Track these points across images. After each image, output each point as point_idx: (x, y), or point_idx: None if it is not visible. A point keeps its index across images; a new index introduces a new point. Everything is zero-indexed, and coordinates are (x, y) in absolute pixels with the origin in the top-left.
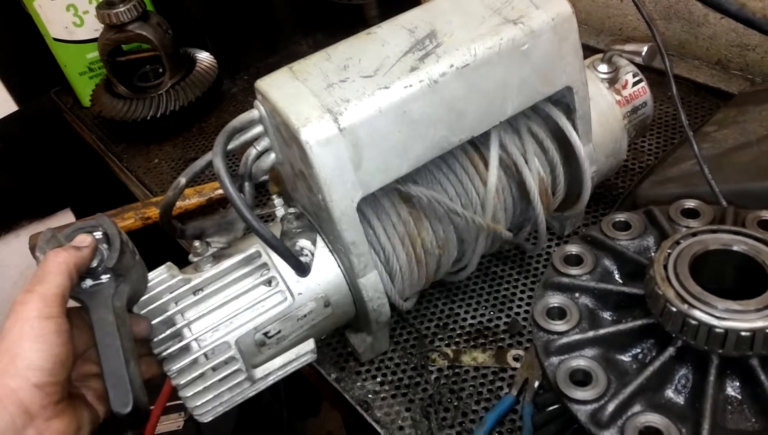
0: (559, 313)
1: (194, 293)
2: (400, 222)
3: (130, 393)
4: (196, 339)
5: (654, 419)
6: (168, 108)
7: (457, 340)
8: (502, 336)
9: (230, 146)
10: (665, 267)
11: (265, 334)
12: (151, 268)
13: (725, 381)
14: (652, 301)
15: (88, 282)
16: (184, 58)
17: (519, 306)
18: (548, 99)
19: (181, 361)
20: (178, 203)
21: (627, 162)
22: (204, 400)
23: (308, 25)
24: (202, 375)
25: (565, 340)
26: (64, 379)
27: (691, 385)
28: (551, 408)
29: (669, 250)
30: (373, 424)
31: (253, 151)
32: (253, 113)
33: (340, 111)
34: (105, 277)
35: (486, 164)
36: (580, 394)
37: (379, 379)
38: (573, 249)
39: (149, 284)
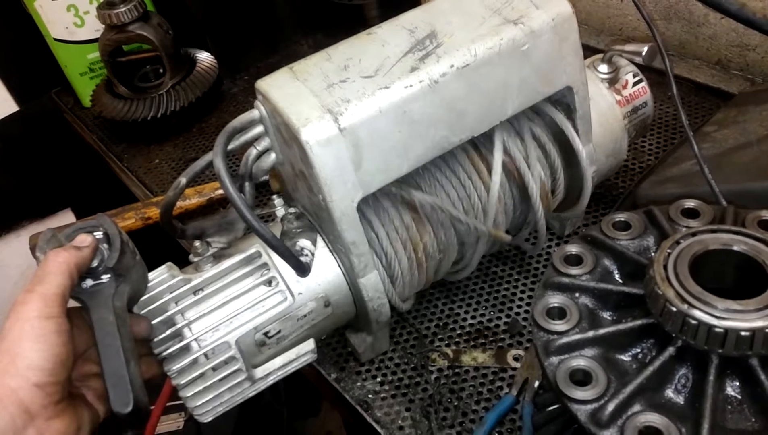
0: (559, 313)
1: (194, 293)
2: (402, 226)
3: (130, 393)
4: (196, 339)
5: (654, 419)
6: (168, 108)
7: (457, 340)
8: (502, 336)
9: (230, 146)
10: (665, 267)
11: (265, 334)
12: (151, 268)
13: (725, 381)
14: (651, 300)
15: (89, 282)
16: (184, 59)
17: (519, 306)
18: (548, 99)
19: (181, 361)
20: (179, 203)
21: (627, 162)
22: (204, 400)
23: (308, 26)
24: (202, 375)
25: (565, 339)
26: (64, 378)
27: (690, 384)
28: (551, 408)
29: (669, 250)
30: (373, 424)
31: (253, 151)
32: (253, 113)
33: (340, 111)
34: (105, 277)
35: (488, 168)
36: (580, 393)
37: (379, 379)
38: (573, 249)
39: (149, 284)
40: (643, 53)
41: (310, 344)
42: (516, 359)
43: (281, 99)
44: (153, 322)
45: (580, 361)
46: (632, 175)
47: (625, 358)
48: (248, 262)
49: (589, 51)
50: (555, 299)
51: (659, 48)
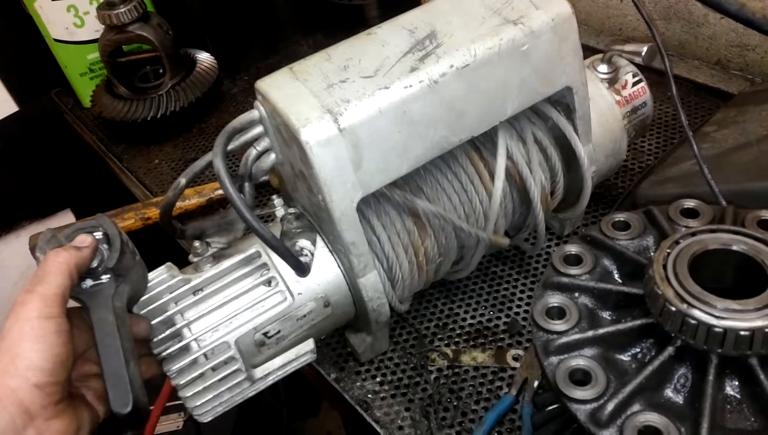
0: (559, 313)
1: (194, 293)
2: (404, 231)
3: (129, 393)
4: (195, 339)
5: (653, 418)
6: (168, 108)
7: (456, 340)
8: (501, 336)
9: (230, 147)
10: (664, 267)
11: (265, 334)
12: (151, 269)
13: (724, 380)
14: (651, 300)
15: (89, 282)
16: (184, 59)
17: (518, 306)
18: (548, 99)
19: (180, 361)
20: (178, 203)
21: (627, 162)
22: (203, 400)
23: (308, 26)
24: (201, 375)
25: (564, 339)
26: (64, 379)
27: (690, 384)
28: (550, 407)
29: (668, 250)
30: (373, 424)
31: (253, 152)
32: (253, 114)
33: (340, 111)
34: (105, 278)
35: (490, 171)
36: (579, 393)
37: (378, 379)
38: (572, 249)
39: (149, 284)
40: (643, 53)
41: (309, 344)
42: (515, 359)
43: (281, 99)
44: (153, 322)
45: (580, 360)
46: (632, 175)
47: (624, 357)
48: (248, 262)
49: (588, 51)
50: (554, 299)
51: (659, 48)
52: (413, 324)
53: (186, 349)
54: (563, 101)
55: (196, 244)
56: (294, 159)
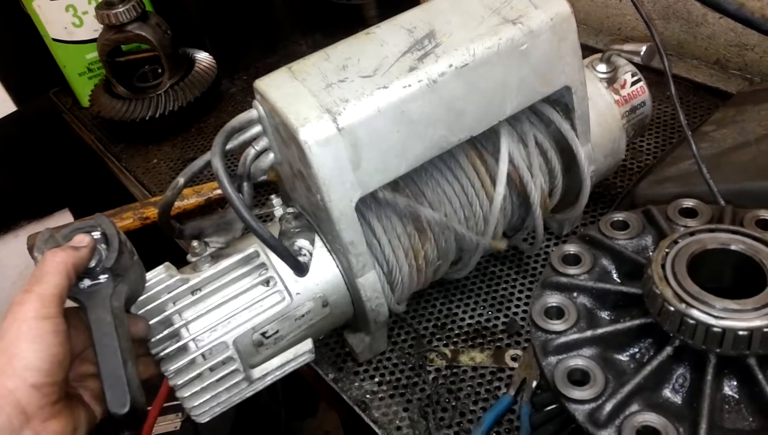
0: (557, 313)
1: (192, 293)
2: (405, 235)
3: (127, 393)
4: (193, 339)
5: (651, 419)
6: (167, 108)
7: (455, 340)
8: (500, 336)
9: (229, 146)
10: (663, 266)
11: (263, 334)
12: (149, 268)
13: (723, 380)
14: (650, 300)
15: (86, 282)
16: (183, 59)
17: (517, 306)
18: (547, 99)
19: (178, 361)
20: (177, 203)
21: (625, 161)
22: (201, 401)
23: (307, 25)
24: (199, 375)
25: (563, 339)
26: (61, 379)
27: (688, 384)
28: (549, 408)
29: (667, 250)
30: (371, 424)
31: (251, 151)
32: (251, 113)
33: (338, 111)
34: (103, 277)
35: (490, 173)
36: (577, 393)
37: (377, 380)
38: (571, 248)
39: (147, 284)
40: (642, 53)
41: (307, 344)
42: (514, 359)
43: (280, 99)
44: (150, 322)
45: (578, 360)
46: (630, 175)
47: (622, 357)
48: (246, 262)
49: (587, 51)
50: (553, 299)
51: (658, 47)
52: (411, 324)
53: (184, 349)
54: (562, 101)
55: (195, 243)
56: (293, 158)
